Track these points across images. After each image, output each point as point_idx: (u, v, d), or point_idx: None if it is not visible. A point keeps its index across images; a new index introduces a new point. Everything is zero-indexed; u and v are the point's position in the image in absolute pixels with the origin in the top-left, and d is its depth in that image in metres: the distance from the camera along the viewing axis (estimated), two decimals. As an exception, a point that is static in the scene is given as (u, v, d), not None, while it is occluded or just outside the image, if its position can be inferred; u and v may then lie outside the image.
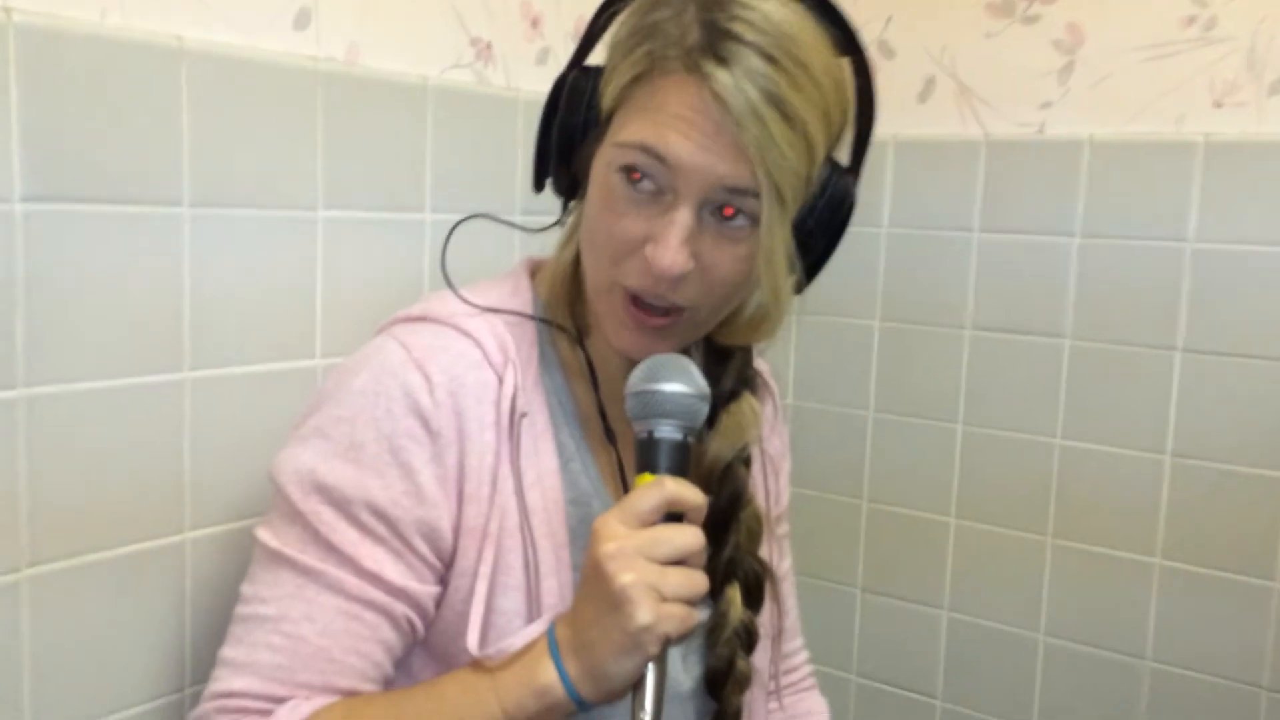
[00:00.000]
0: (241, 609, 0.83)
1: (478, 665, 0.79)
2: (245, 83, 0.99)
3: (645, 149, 0.78)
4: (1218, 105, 1.40)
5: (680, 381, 0.79)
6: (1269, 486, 1.38)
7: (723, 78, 0.75)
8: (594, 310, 0.88)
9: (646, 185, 0.80)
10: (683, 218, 0.79)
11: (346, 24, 1.10)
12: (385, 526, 0.81)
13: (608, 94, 0.83)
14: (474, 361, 0.84)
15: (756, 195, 0.78)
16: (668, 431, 0.79)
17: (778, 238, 0.80)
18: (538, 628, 0.78)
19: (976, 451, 1.59)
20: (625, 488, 0.90)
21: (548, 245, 0.96)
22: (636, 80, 0.80)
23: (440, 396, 0.82)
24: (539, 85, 1.29)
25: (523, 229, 0.94)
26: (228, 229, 0.99)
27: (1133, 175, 1.44)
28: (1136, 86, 1.44)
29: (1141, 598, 1.47)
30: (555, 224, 0.92)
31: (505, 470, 0.83)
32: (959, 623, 1.62)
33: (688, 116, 0.77)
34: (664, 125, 0.78)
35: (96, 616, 0.93)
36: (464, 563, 0.83)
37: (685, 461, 0.79)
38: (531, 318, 0.90)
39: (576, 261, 0.89)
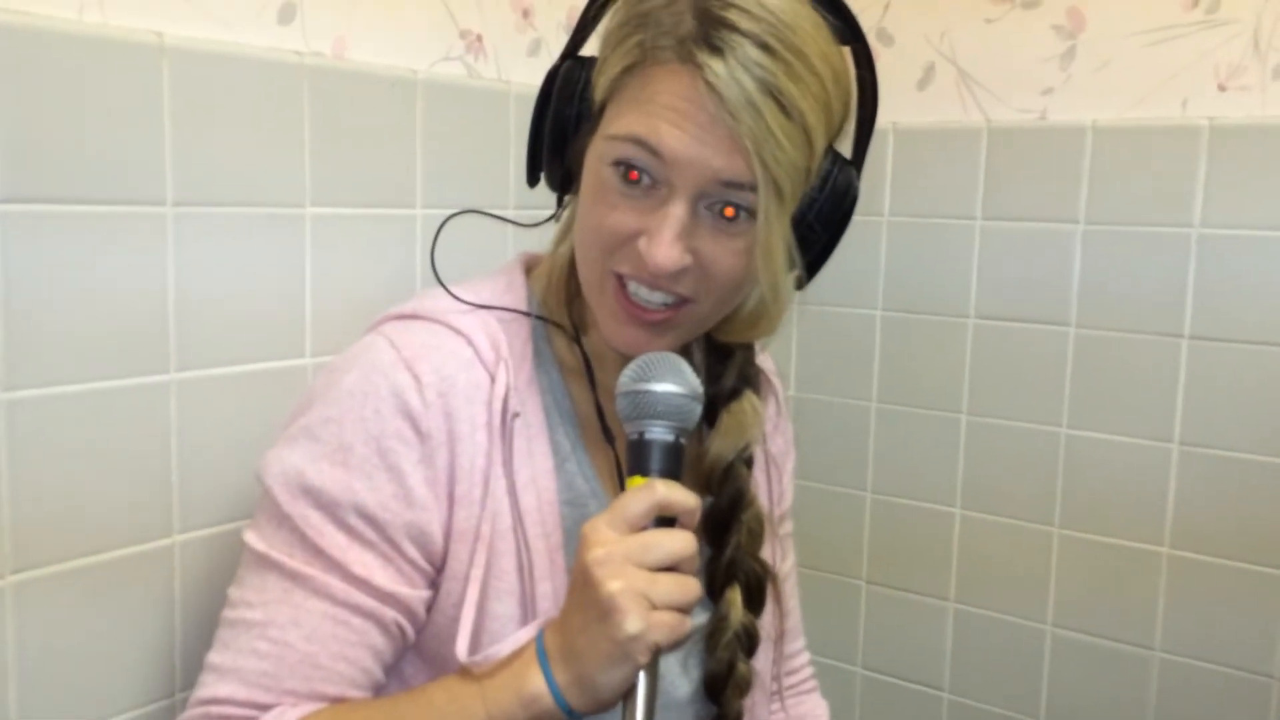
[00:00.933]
0: (228, 613, 0.82)
1: (466, 672, 0.77)
2: (229, 79, 0.98)
3: (637, 141, 0.77)
4: (1222, 89, 1.37)
5: (672, 381, 0.77)
6: (1277, 474, 1.36)
7: (717, 67, 0.73)
8: (590, 306, 0.86)
9: (640, 179, 0.78)
10: (677, 212, 0.77)
11: (333, 17, 1.09)
12: (374, 530, 0.79)
13: (600, 85, 0.81)
14: (465, 360, 0.82)
15: (754, 189, 0.77)
16: (659, 433, 0.77)
17: (776, 232, 0.78)
18: (527, 633, 0.77)
19: (981, 442, 1.57)
20: (623, 488, 0.88)
21: (543, 241, 0.95)
22: (628, 71, 0.78)
23: (430, 397, 0.80)
24: (531, 77, 1.27)
25: (516, 224, 0.92)
26: (212, 228, 0.98)
27: (1137, 161, 1.42)
28: (1139, 71, 1.42)
29: (1149, 588, 1.45)
30: (550, 219, 0.90)
31: (497, 471, 0.82)
32: (965, 614, 1.61)
33: (681, 108, 0.75)
34: (656, 117, 0.76)
35: (84, 622, 0.92)
36: (455, 566, 0.81)
37: (678, 463, 0.77)
38: (526, 314, 0.88)
39: (573, 257, 0.87)
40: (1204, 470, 1.41)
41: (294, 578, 0.79)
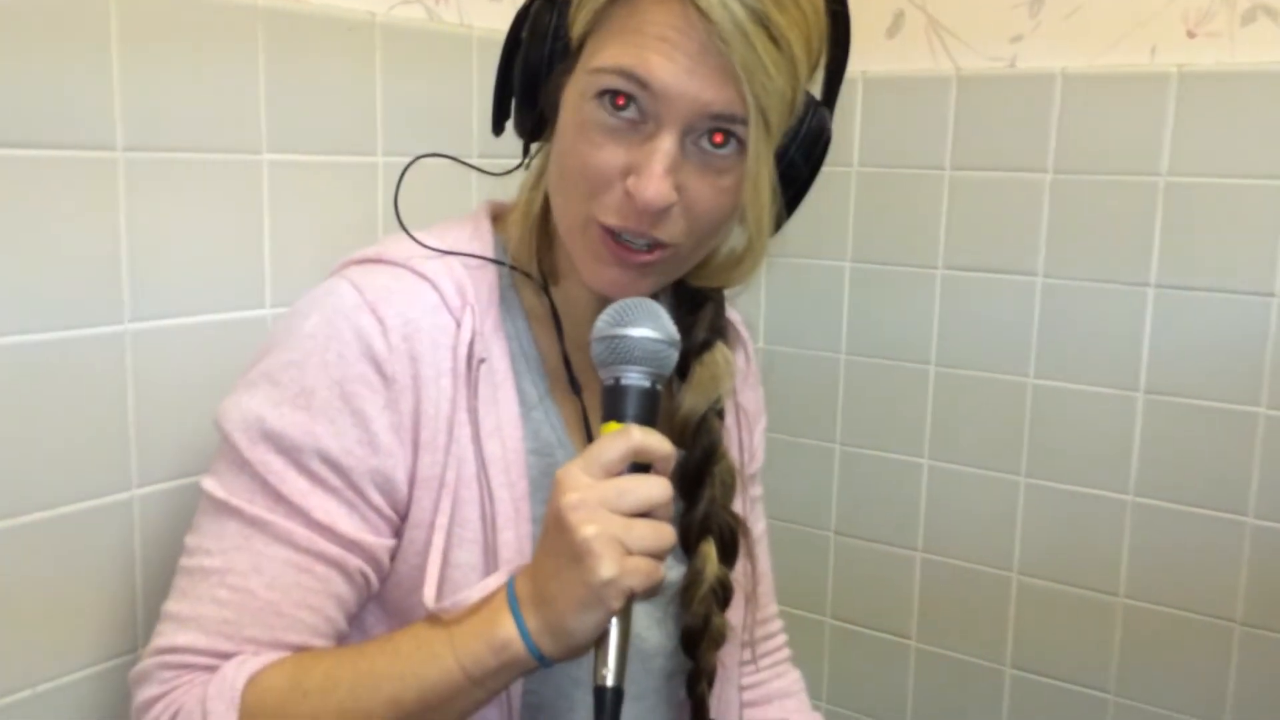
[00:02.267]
0: (185, 561, 0.80)
1: (434, 619, 0.76)
2: (180, 19, 0.95)
3: (625, 73, 0.74)
4: (1191, 35, 1.37)
5: (649, 326, 0.76)
6: (1241, 421, 1.37)
7: None
8: (569, 250, 0.83)
9: (626, 112, 0.76)
10: (666, 145, 0.75)
11: (287, -42, 1.06)
12: (337, 476, 0.78)
13: (579, 20, 0.79)
14: (430, 305, 0.81)
15: (743, 121, 0.75)
16: (635, 379, 0.76)
17: (764, 165, 0.77)
18: (496, 580, 0.76)
19: (949, 392, 1.57)
20: (590, 438, 0.87)
21: (509, 189, 0.93)
22: (612, 2, 0.76)
23: (394, 340, 0.79)
24: (494, 22, 1.25)
25: (483, 171, 0.90)
26: (166, 173, 0.96)
27: (1105, 109, 1.41)
28: (1108, 17, 1.41)
29: (1115, 535, 1.47)
30: (519, 167, 0.88)
31: (462, 418, 0.80)
32: (932, 563, 1.62)
33: (671, 38, 0.73)
34: (645, 48, 0.74)
35: (42, 577, 0.91)
36: (419, 514, 0.80)
37: (654, 410, 0.76)
38: (494, 261, 0.86)
39: (545, 205, 0.85)
40: (1169, 418, 1.42)
41: (254, 524, 0.77)
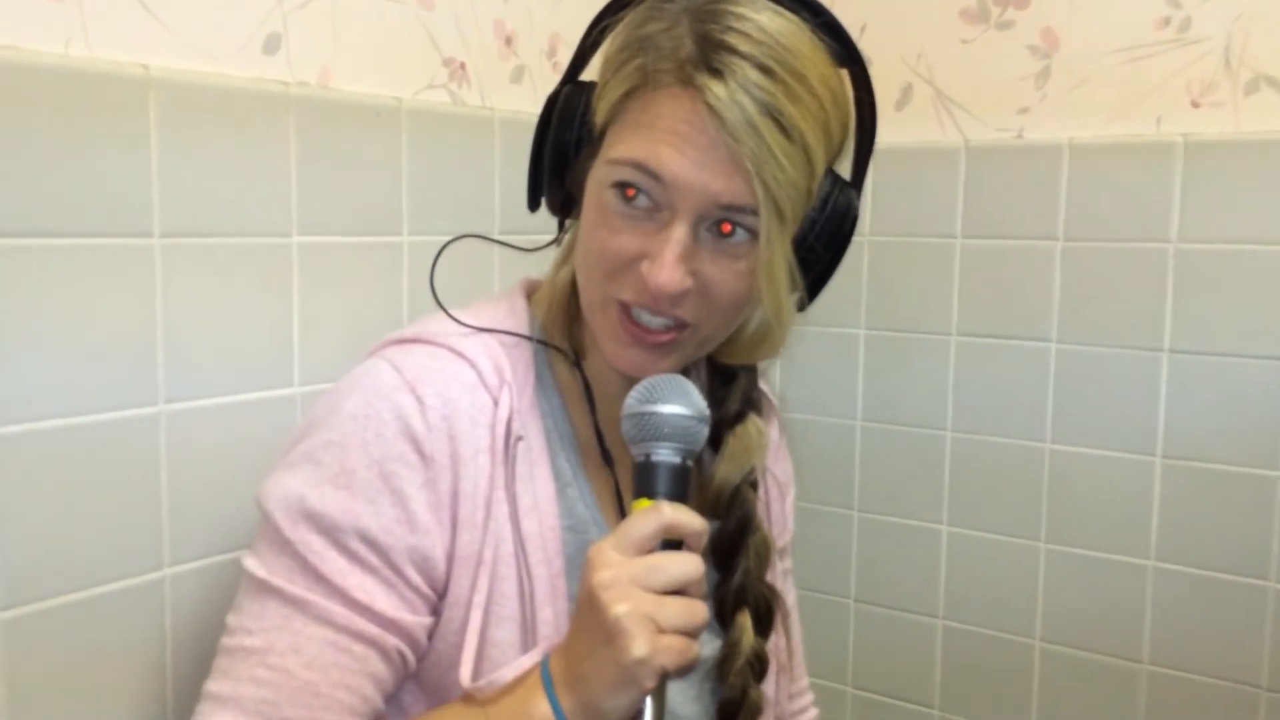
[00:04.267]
0: (226, 640, 0.80)
1: (469, 699, 0.77)
2: (215, 110, 0.98)
3: (638, 166, 0.77)
4: (1195, 105, 1.39)
5: (678, 403, 0.77)
6: (1260, 485, 1.37)
7: (717, 90, 0.74)
8: (592, 329, 0.86)
9: (641, 202, 0.78)
10: (678, 235, 0.77)
11: (317, 47, 1.09)
12: (376, 555, 0.78)
13: (600, 109, 0.82)
14: (468, 384, 0.82)
15: (754, 212, 0.77)
16: (665, 455, 0.77)
17: (778, 253, 0.79)
18: (531, 659, 0.77)
19: (966, 458, 1.58)
20: (623, 513, 0.88)
21: (531, 267, 0.95)
22: (629, 95, 0.79)
23: (433, 419, 0.79)
24: (515, 104, 1.28)
25: (516, 248, 0.92)
26: (200, 259, 0.98)
27: (1113, 178, 1.43)
28: (1114, 89, 1.44)
29: (1137, 600, 1.46)
30: (552, 243, 0.90)
31: (500, 495, 0.81)
32: (954, 631, 1.61)
33: (681, 131, 0.76)
34: (657, 141, 0.76)
35: (75, 658, 0.91)
36: (457, 592, 0.80)
37: (684, 486, 0.77)
38: (528, 339, 0.88)
39: (573, 281, 0.87)
40: (1187, 483, 1.42)
41: (294, 604, 0.77)
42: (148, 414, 0.95)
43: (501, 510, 0.81)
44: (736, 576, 0.90)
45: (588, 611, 0.71)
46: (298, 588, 0.78)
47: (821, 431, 1.70)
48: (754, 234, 0.78)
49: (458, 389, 0.81)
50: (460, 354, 0.83)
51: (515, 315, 0.89)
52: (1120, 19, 1.42)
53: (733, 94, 0.74)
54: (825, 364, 1.68)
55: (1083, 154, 1.45)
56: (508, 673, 0.76)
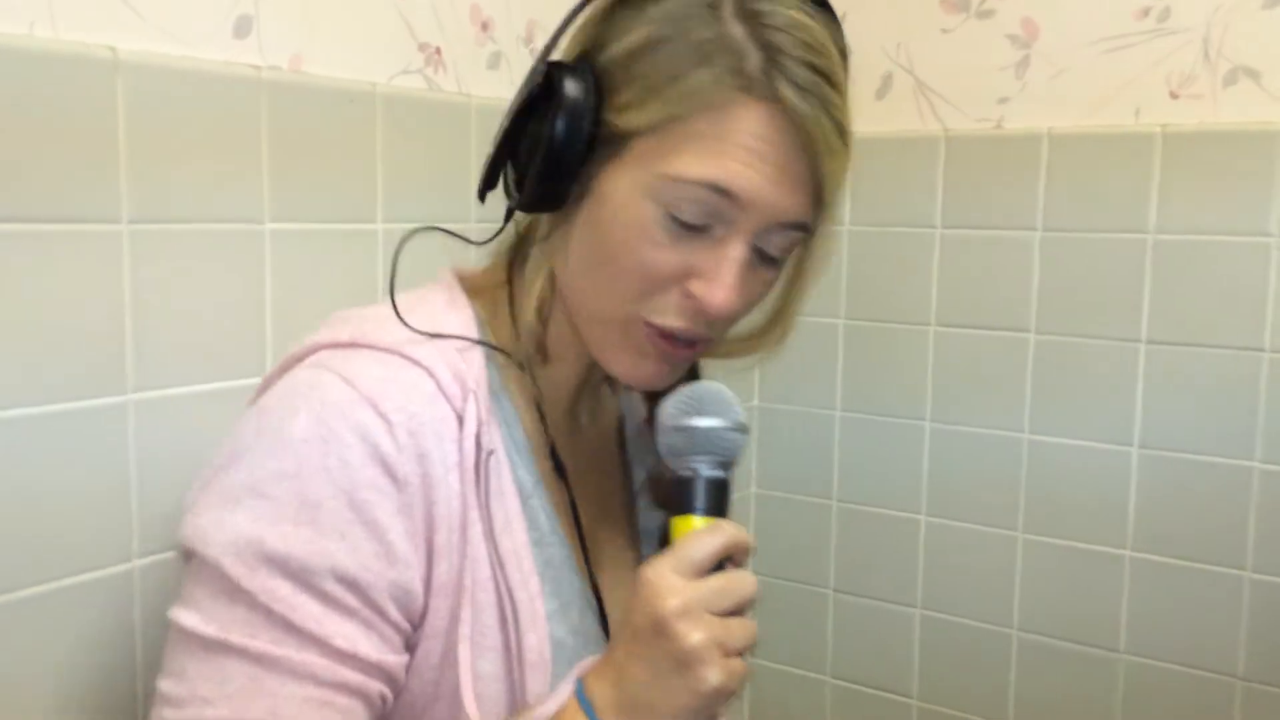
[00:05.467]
0: (171, 715, 0.68)
1: None
2: (185, 94, 0.96)
3: (712, 187, 0.71)
4: (1174, 96, 1.39)
5: (723, 415, 0.75)
6: (1237, 475, 1.38)
7: (802, 106, 0.70)
8: (590, 340, 0.79)
9: (693, 217, 0.72)
10: (737, 253, 0.73)
11: (289, 31, 1.07)
12: (355, 596, 0.69)
13: (633, 114, 0.73)
14: (428, 394, 0.73)
15: (807, 228, 0.75)
16: (710, 469, 0.74)
17: (819, 268, 0.78)
18: (568, 686, 0.72)
19: (945, 448, 1.58)
20: (578, 525, 0.83)
21: (486, 258, 0.91)
22: (692, 107, 0.72)
23: (402, 438, 0.71)
24: (491, 91, 1.27)
25: (466, 240, 0.86)
26: (170, 245, 0.96)
27: (1092, 168, 1.44)
28: (1093, 79, 1.44)
29: (1114, 590, 1.47)
30: (497, 235, 0.83)
31: (473, 516, 0.73)
32: (932, 620, 1.61)
33: (757, 148, 0.71)
34: (728, 156, 0.71)
35: (41, 651, 0.90)
36: (435, 623, 0.73)
37: (727, 500, 0.74)
38: (480, 343, 0.79)
39: (554, 284, 0.80)
40: (1164, 473, 1.43)
41: (261, 662, 0.67)
42: (116, 403, 0.93)
43: (476, 531, 0.74)
44: None
45: (653, 639, 0.68)
46: (262, 642, 0.68)
47: (800, 421, 1.69)
48: (789, 248, 0.77)
49: (419, 401, 0.73)
50: (415, 361, 0.74)
51: (457, 311, 0.81)
52: (1100, 9, 1.42)
53: (814, 110, 0.70)
54: (804, 354, 1.67)
55: (1062, 144, 1.45)
56: (550, 706, 0.71)
